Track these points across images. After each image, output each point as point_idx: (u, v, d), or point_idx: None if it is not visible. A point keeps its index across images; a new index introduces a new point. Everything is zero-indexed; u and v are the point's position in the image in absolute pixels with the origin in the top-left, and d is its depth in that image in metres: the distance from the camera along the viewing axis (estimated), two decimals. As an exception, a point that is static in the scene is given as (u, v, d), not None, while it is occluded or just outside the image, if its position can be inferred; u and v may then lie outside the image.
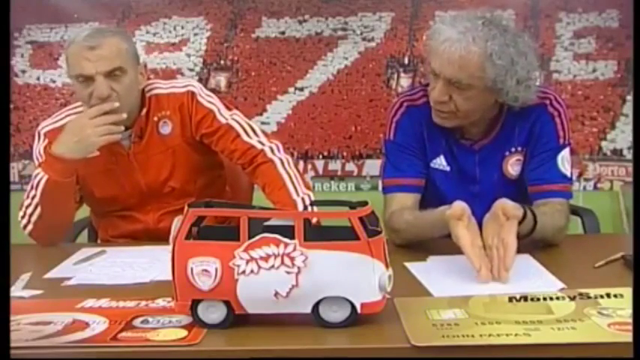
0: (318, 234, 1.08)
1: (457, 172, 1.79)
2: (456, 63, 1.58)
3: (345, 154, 3.47)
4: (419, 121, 1.80)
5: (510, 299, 1.18)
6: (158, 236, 1.77)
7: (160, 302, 1.22)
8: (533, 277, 1.36)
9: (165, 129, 1.86)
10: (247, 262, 1.07)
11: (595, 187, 3.52)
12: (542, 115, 1.74)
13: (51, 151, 1.74)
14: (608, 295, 1.18)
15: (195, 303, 1.10)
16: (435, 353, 1.01)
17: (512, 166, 1.76)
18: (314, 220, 1.16)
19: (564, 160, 1.73)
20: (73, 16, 3.57)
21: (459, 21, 1.60)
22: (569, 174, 1.74)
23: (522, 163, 1.76)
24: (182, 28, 3.63)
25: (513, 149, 1.76)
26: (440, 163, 1.79)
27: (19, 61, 3.66)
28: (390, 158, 1.83)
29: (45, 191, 1.74)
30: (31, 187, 1.77)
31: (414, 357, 1.02)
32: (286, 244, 1.06)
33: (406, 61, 3.50)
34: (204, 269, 1.08)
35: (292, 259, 1.06)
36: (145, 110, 1.84)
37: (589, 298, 1.17)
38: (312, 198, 1.74)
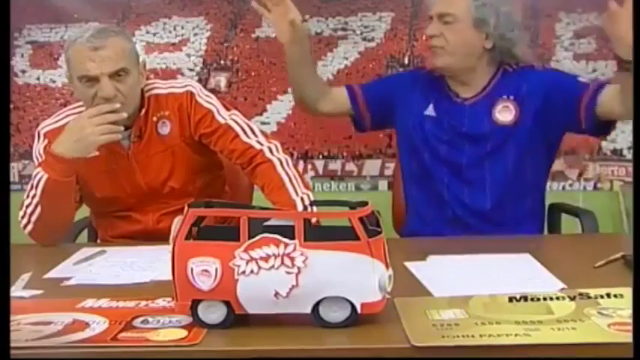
0: (318, 234, 1.08)
1: (445, 118, 1.94)
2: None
3: (345, 154, 3.46)
4: (419, 77, 2.03)
5: (510, 299, 1.18)
6: (158, 236, 1.77)
7: (160, 302, 1.22)
8: (533, 277, 1.36)
9: (165, 129, 1.86)
10: (247, 262, 1.07)
11: (595, 187, 3.51)
12: (531, 73, 1.91)
13: (51, 151, 1.74)
14: (608, 295, 1.18)
15: (195, 303, 1.10)
16: (435, 353, 1.01)
17: (501, 113, 1.89)
18: (314, 220, 1.16)
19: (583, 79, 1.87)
20: (73, 16, 3.56)
21: None
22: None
23: (513, 112, 1.87)
24: (182, 28, 3.62)
25: (500, 99, 1.89)
26: (429, 110, 1.96)
27: (19, 61, 3.65)
28: (373, 80, 2.13)
29: (45, 191, 1.74)
30: (31, 187, 1.77)
31: (414, 357, 1.02)
32: (286, 245, 1.06)
33: (406, 61, 3.50)
34: (204, 269, 1.08)
35: (292, 259, 1.06)
36: (144, 110, 1.84)
37: (589, 298, 1.17)
38: (312, 198, 1.74)
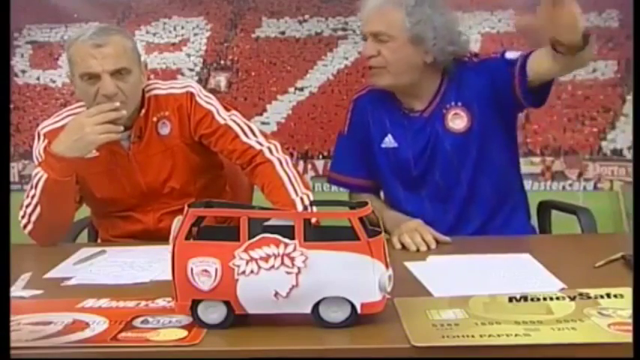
0: (318, 234, 1.08)
1: (407, 145, 1.90)
2: (375, 18, 1.80)
3: (345, 154, 3.46)
4: (364, 108, 1.97)
5: (510, 299, 1.18)
6: (158, 236, 1.77)
7: (160, 302, 1.22)
8: (533, 277, 1.36)
9: (165, 129, 1.87)
10: (247, 262, 1.07)
11: (595, 187, 3.50)
12: (465, 69, 1.87)
13: (50, 150, 1.74)
14: (608, 295, 1.18)
15: (195, 303, 1.10)
16: (435, 353, 1.01)
17: (453, 120, 1.86)
18: (314, 221, 1.17)
19: (511, 53, 1.82)
20: (73, 16, 3.55)
21: None
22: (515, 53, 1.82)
23: (464, 118, 1.84)
24: (182, 28, 3.62)
25: (448, 105, 1.86)
26: (389, 141, 1.92)
27: (19, 61, 3.65)
28: (338, 151, 2.03)
29: (45, 190, 1.74)
30: (31, 187, 1.77)
31: (414, 357, 1.02)
32: (286, 245, 1.06)
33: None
34: (204, 269, 1.08)
35: (292, 259, 1.06)
36: (144, 110, 1.84)
37: (589, 298, 1.17)
38: (312, 198, 1.74)
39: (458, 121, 1.85)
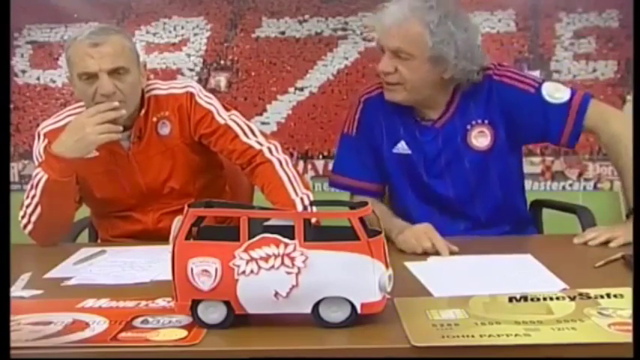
0: (318, 234, 1.08)
1: (419, 153, 1.85)
2: (396, 33, 1.71)
3: (345, 154, 3.47)
4: (375, 110, 1.89)
5: (510, 299, 1.18)
6: (158, 236, 1.77)
7: (160, 302, 1.22)
8: (533, 277, 1.36)
9: (165, 130, 1.87)
10: (247, 262, 1.07)
11: (595, 187, 3.51)
12: (493, 86, 1.80)
13: (50, 150, 1.74)
14: (608, 295, 1.18)
15: (195, 303, 1.10)
16: (435, 353, 1.01)
17: (477, 138, 1.82)
18: (314, 221, 1.16)
19: (550, 90, 1.78)
20: (73, 16, 3.56)
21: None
22: (565, 90, 1.79)
23: (488, 136, 1.81)
24: (182, 28, 3.62)
25: (474, 122, 1.82)
26: (402, 147, 1.86)
27: (19, 61, 3.65)
28: (343, 152, 1.95)
29: (45, 190, 1.74)
30: (31, 187, 1.77)
31: (414, 357, 1.02)
32: (286, 245, 1.06)
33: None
34: (204, 269, 1.08)
35: (292, 259, 1.06)
36: (143, 110, 1.84)
37: (589, 298, 1.17)
38: (311, 198, 1.74)
39: (482, 139, 1.80)
